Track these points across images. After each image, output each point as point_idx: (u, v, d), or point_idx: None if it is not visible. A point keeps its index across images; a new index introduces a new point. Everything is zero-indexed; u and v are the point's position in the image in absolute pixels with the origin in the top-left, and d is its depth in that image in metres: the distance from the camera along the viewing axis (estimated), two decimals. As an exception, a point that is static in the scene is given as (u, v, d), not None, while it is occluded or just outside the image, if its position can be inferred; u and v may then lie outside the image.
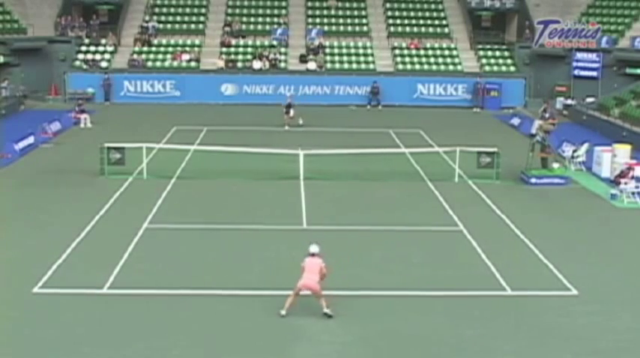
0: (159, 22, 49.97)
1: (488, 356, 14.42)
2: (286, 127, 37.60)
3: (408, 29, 50.56)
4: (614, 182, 26.39)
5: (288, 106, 38.18)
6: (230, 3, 51.78)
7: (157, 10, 50.91)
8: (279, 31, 49.27)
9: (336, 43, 49.44)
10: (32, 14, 48.46)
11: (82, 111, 38.10)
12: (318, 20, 50.77)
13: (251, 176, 27.31)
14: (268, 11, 51.24)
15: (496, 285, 17.68)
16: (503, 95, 45.59)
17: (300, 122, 37.84)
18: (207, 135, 35.12)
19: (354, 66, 47.63)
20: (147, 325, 15.32)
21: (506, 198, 25.44)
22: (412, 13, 51.49)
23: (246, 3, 51.74)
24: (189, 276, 17.97)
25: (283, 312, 15.73)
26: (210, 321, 15.54)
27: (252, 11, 51.21)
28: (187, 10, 51.03)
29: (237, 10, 51.32)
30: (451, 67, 47.70)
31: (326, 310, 15.77)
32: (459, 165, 27.80)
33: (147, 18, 50.08)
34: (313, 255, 15.94)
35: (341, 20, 50.82)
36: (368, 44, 49.48)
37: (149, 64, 47.12)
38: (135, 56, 47.35)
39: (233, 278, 17.96)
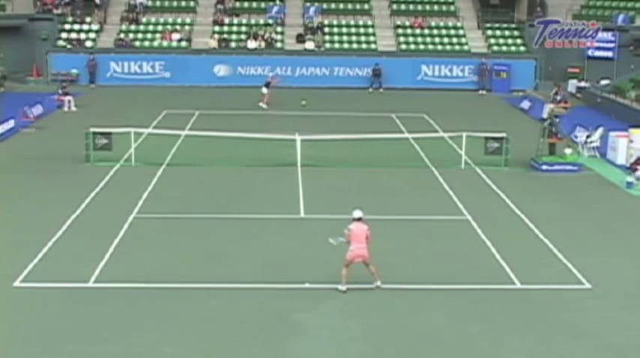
0: (147, -2, 49.88)
1: (496, 353, 14.43)
2: (262, 104, 38.61)
3: (411, 7, 50.38)
4: (631, 169, 26.38)
5: (267, 85, 39.35)
6: (223, -21, 51.62)
7: (145, -14, 50.78)
8: (275, 8, 49.11)
9: (335, 22, 49.31)
10: (11, -10, 48.35)
11: (66, 94, 38.01)
12: (316, -3, 50.69)
13: (245, 163, 27.28)
14: (264, -12, 51.14)
15: (504, 279, 17.69)
16: (512, 77, 45.53)
17: (264, 106, 38.59)
18: (198, 120, 35.07)
19: (355, 46, 47.51)
20: (136, 320, 15.32)
21: (516, 185, 25.44)
22: (416, -10, 51.43)
23: (239, -21, 51.66)
24: (180, 269, 17.97)
25: (343, 288, 16.37)
26: (203, 316, 15.54)
27: (247, -13, 51.12)
28: (177, -14, 50.95)
29: (231, -13, 51.21)
30: (457, 48, 47.58)
31: (377, 282, 16.59)
32: (466, 151, 27.78)
33: (134, -5, 49.96)
34: (359, 219, 16.58)
35: (341, -3, 50.73)
36: (369, 23, 49.36)
37: (137, 43, 46.95)
38: (122, 35, 47.19)
39: (227, 270, 17.96)
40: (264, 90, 39.10)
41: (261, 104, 38.81)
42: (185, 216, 21.72)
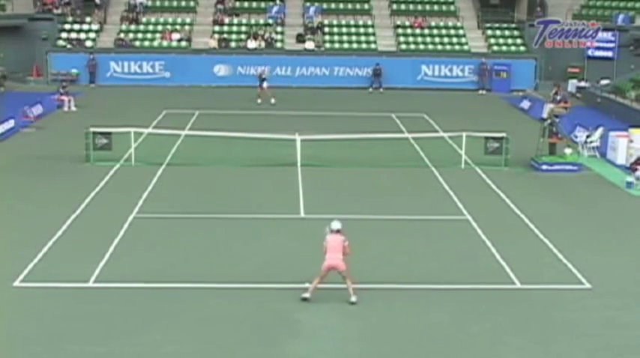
0: (147, -2, 49.88)
1: (496, 353, 14.43)
2: (259, 101, 39.41)
3: (411, 7, 50.40)
4: (630, 169, 26.37)
5: (262, 80, 40.03)
6: (223, -22, 51.59)
7: (145, -14, 50.77)
8: (275, 8, 49.11)
9: (335, 22, 49.31)
10: (11, -10, 48.33)
11: (66, 94, 38.01)
12: (316, -3, 50.69)
13: (245, 162, 27.27)
14: (263, -13, 51.12)
15: (504, 278, 17.69)
16: (512, 77, 45.55)
17: (272, 101, 39.35)
18: (198, 119, 35.07)
19: (355, 46, 47.52)
20: (136, 320, 15.31)
21: (516, 185, 25.44)
22: (416, -10, 51.42)
23: (239, -22, 51.64)
24: (180, 268, 17.97)
25: (308, 295, 16.04)
26: (203, 316, 15.54)
27: (247, -13, 51.12)
28: (177, -14, 50.95)
29: (231, -14, 51.18)
30: (457, 47, 47.59)
31: (352, 298, 16.03)
32: (466, 151, 27.78)
33: (134, -6, 49.96)
34: (338, 231, 16.12)
35: (341, -3, 50.73)
36: (369, 23, 49.36)
37: (137, 43, 46.96)
38: (122, 35, 47.19)
39: (227, 270, 17.96)
40: (264, 84, 39.83)
41: (259, 101, 39.27)
42: (185, 216, 21.72)
